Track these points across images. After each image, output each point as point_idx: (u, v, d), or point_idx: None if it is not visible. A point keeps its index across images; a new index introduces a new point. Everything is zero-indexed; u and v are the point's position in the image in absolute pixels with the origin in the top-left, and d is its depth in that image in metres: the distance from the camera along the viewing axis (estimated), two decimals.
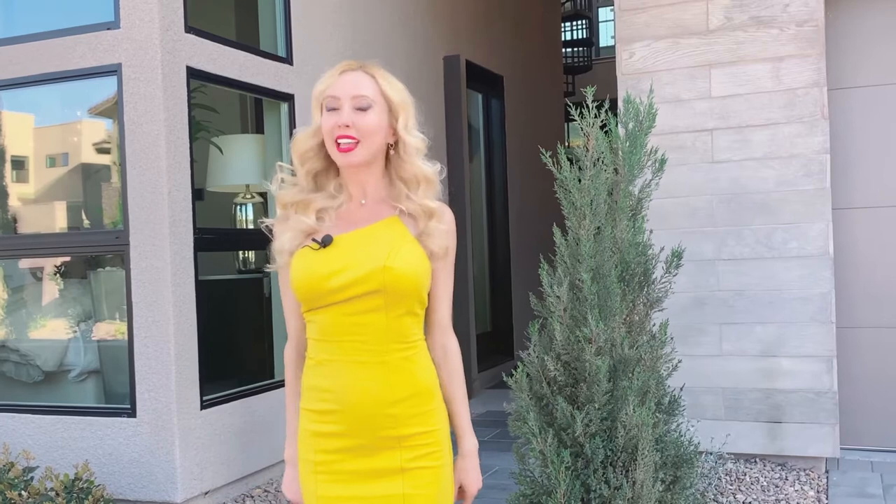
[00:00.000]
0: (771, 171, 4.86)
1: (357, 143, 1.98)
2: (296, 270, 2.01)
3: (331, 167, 2.09)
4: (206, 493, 4.55)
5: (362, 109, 1.99)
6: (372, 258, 1.97)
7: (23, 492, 3.85)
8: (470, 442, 2.16)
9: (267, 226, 2.12)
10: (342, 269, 1.96)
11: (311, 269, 1.98)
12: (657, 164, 3.54)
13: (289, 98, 5.30)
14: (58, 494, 3.81)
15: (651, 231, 3.61)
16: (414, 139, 2.05)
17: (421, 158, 2.07)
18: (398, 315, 2.00)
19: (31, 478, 3.97)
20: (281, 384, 5.13)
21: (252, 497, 4.77)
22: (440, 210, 2.08)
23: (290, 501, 2.16)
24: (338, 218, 2.06)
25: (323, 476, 2.01)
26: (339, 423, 2.00)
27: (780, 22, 4.84)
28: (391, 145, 2.06)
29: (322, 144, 2.05)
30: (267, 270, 2.17)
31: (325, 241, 2.00)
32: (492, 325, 8.65)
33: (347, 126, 1.97)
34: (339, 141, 1.98)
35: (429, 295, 2.08)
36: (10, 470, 3.97)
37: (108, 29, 4.44)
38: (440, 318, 2.13)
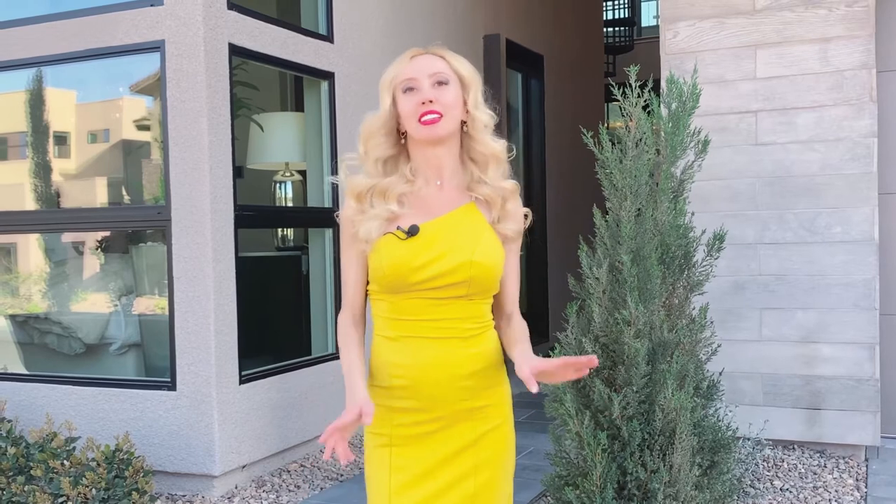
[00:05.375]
0: (816, 155, 4.78)
1: (441, 116, 1.99)
2: (382, 258, 2.01)
3: (400, 154, 2.09)
4: (243, 467, 4.60)
5: (441, 84, 2.01)
6: (458, 251, 2.00)
7: (65, 461, 3.92)
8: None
9: (339, 216, 2.11)
10: (431, 262, 1.99)
11: (399, 260, 2.00)
12: (700, 146, 3.50)
13: (329, 76, 5.30)
14: (99, 465, 3.88)
15: (692, 213, 3.57)
16: (483, 114, 2.07)
17: (490, 135, 2.08)
18: (477, 301, 2.06)
19: (73, 448, 4.04)
20: (317, 360, 5.19)
21: (288, 471, 4.82)
22: (514, 190, 2.11)
23: (364, 413, 1.92)
24: (416, 203, 2.06)
25: (398, 448, 2.05)
26: (412, 398, 2.04)
27: (829, 2, 4.74)
28: (463, 123, 2.07)
29: (391, 130, 2.06)
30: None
31: (412, 232, 2.01)
32: (527, 306, 8.63)
33: (431, 101, 1.99)
34: (424, 117, 1.99)
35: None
36: (52, 440, 4.04)
37: (152, 5, 4.46)
38: (511, 299, 2.18)
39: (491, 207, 2.09)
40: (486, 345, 2.09)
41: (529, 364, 1.95)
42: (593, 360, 1.89)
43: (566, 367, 1.94)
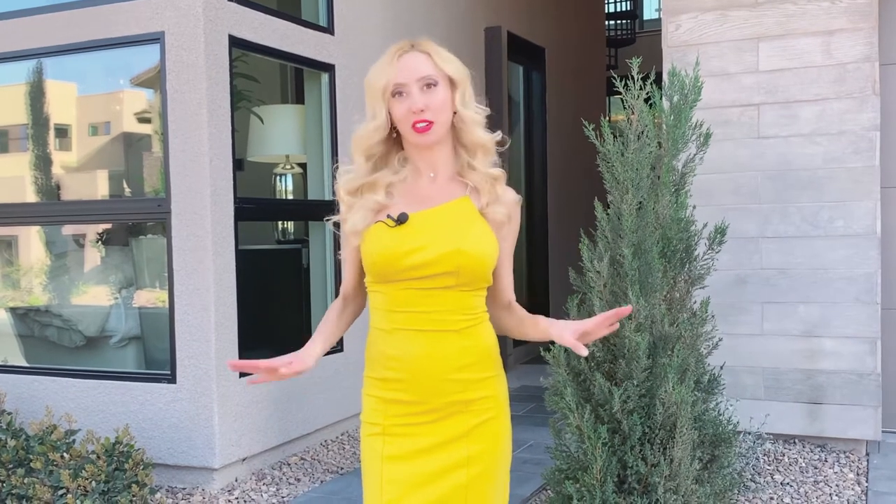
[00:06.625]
0: (818, 148, 4.76)
1: (432, 123, 2.02)
2: (371, 246, 2.04)
3: (391, 150, 2.13)
4: (243, 460, 4.60)
5: (429, 87, 2.03)
6: (447, 240, 2.02)
7: (65, 454, 3.92)
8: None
9: (335, 222, 2.15)
10: (418, 249, 2.01)
11: (387, 247, 2.02)
12: (702, 139, 3.49)
13: (330, 68, 5.28)
14: (99, 457, 3.88)
15: (694, 207, 3.56)
16: (471, 111, 2.08)
17: (480, 128, 2.10)
18: (468, 292, 2.07)
19: (73, 440, 4.04)
20: None
21: (289, 465, 4.82)
22: (501, 176, 2.13)
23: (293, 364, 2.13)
24: (409, 194, 2.09)
25: (390, 437, 2.07)
26: (406, 390, 2.06)
27: None
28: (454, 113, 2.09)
29: (385, 135, 2.08)
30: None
31: (401, 219, 2.03)
32: (528, 299, 8.62)
33: (422, 110, 2.01)
34: (417, 125, 2.02)
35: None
36: (52, 432, 4.04)
37: None
38: (509, 288, 2.21)
39: (480, 193, 2.11)
40: (480, 337, 2.10)
41: (569, 329, 2.03)
42: (627, 309, 1.99)
43: (604, 322, 2.01)
